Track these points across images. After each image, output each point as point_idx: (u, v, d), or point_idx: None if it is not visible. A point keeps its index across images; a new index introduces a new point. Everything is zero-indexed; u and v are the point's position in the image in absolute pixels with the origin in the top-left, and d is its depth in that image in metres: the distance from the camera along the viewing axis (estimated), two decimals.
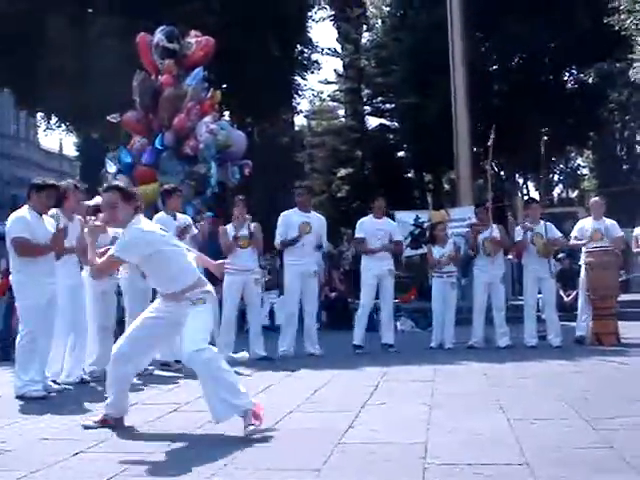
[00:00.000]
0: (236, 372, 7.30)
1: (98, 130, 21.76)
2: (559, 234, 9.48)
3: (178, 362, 7.98)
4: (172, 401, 5.69)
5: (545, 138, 9.71)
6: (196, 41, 14.12)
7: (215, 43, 14.22)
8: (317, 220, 9.14)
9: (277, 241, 9.08)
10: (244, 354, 8.31)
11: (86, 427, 4.71)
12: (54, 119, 23.83)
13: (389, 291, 9.32)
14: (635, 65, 18.91)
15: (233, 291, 8.66)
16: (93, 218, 5.07)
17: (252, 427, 4.29)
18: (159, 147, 13.44)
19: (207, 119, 13.40)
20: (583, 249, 9.40)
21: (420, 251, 13.31)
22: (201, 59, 14.25)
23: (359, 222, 9.43)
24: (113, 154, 14.26)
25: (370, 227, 9.29)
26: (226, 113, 21.65)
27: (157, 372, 7.71)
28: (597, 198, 10.02)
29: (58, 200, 6.76)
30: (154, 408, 5.43)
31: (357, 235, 9.44)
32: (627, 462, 3.44)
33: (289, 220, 9.04)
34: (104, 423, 4.72)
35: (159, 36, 13.79)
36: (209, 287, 4.75)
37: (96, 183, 15.18)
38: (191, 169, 13.32)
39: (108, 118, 14.37)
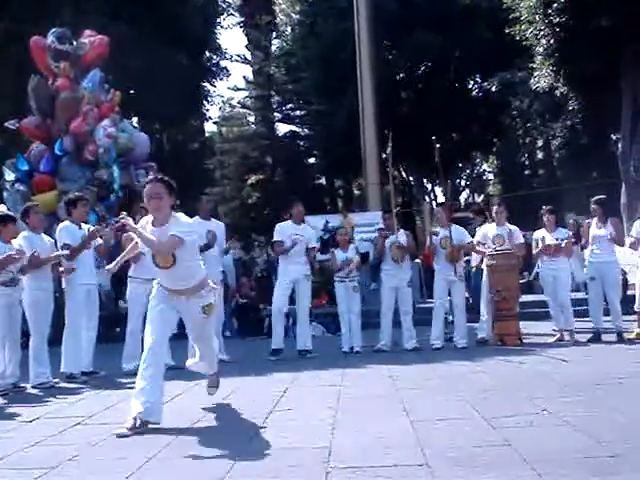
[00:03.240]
0: (134, 384, 7.27)
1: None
2: (468, 238, 9.73)
3: (84, 374, 7.86)
4: (77, 414, 5.58)
5: (438, 146, 9.93)
6: (89, 41, 13.86)
7: (109, 42, 13.99)
8: (217, 227, 9.15)
9: None
10: None
11: (120, 436, 4.61)
12: None
13: (305, 296, 9.38)
14: (536, 74, 19.56)
15: (138, 300, 8.53)
16: None
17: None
18: (58, 153, 13.16)
19: (105, 122, 13.18)
20: (486, 252, 9.70)
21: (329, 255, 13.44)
22: (96, 58, 14.00)
23: (277, 226, 9.43)
24: (11, 162, 13.91)
25: (288, 232, 9.31)
26: (134, 119, 21.40)
27: (62, 384, 7.54)
28: (497, 206, 10.33)
29: None
30: (58, 421, 5.32)
31: (275, 238, 9.43)
32: (523, 458, 3.57)
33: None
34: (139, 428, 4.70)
35: (51, 38, 13.51)
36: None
37: None
38: (92, 174, 13.08)
39: (6, 124, 14.01)
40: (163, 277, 5.08)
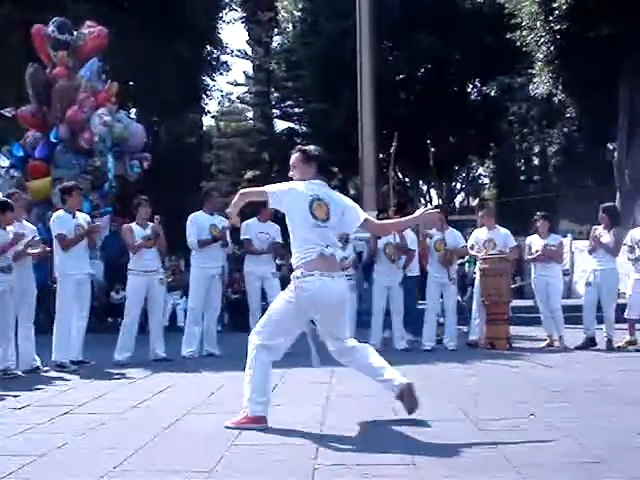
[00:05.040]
0: (124, 375, 7.29)
1: None
2: (462, 243, 9.74)
3: (74, 363, 7.87)
4: (66, 403, 5.59)
5: (432, 150, 9.96)
6: (89, 31, 13.89)
7: (110, 33, 14.03)
8: (220, 222, 9.17)
9: (192, 241, 9.02)
10: None
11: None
12: None
13: (274, 294, 9.41)
14: (535, 80, 19.64)
15: (137, 292, 8.55)
16: None
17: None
18: (53, 140, 13.17)
19: (101, 111, 13.19)
20: (478, 256, 9.73)
21: None
22: (95, 49, 14.04)
23: (244, 224, 9.27)
24: (6, 148, 13.96)
25: (254, 230, 9.33)
26: (133, 110, 21.38)
27: (51, 373, 7.55)
28: (485, 210, 10.35)
29: None
30: (48, 409, 5.32)
31: (243, 236, 9.41)
32: (509, 462, 3.59)
33: (198, 222, 9.03)
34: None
35: (51, 27, 13.55)
36: None
37: None
38: (87, 162, 13.11)
39: (2, 112, 14.03)
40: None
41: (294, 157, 4.90)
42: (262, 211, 9.35)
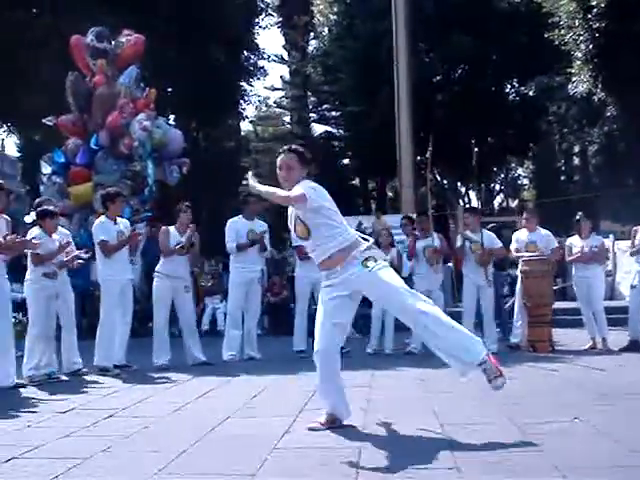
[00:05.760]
0: (166, 378, 7.35)
1: (39, 132, 21.48)
2: (499, 243, 9.66)
3: (117, 367, 7.96)
4: (109, 406, 5.65)
5: (476, 150, 9.87)
6: (127, 39, 14.06)
7: (145, 41, 14.20)
8: (260, 227, 9.20)
9: (231, 247, 9.06)
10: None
11: (312, 429, 4.52)
12: None
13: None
14: (574, 79, 19.41)
15: (163, 296, 8.61)
16: None
17: (498, 380, 4.47)
18: (94, 147, 13.35)
19: (141, 116, 13.33)
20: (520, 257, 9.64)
21: None
22: (132, 57, 14.20)
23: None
24: (48, 155, 14.20)
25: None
26: (172, 117, 21.57)
27: (95, 377, 7.64)
28: (529, 212, 10.25)
29: None
30: (92, 413, 5.39)
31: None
32: (555, 466, 3.53)
33: (236, 227, 9.06)
34: (330, 424, 4.54)
35: (90, 37, 13.75)
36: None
37: (35, 184, 15.10)
38: (127, 168, 13.26)
39: (44, 121, 14.25)
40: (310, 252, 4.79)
41: (290, 158, 4.63)
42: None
